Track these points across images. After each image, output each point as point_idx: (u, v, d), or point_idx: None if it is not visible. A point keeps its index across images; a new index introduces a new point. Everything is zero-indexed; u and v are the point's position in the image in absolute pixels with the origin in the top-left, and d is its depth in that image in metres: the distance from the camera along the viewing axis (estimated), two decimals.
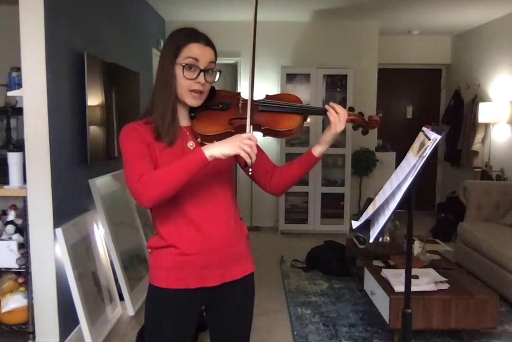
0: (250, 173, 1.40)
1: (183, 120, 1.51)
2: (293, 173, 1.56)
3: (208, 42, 1.46)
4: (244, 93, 1.53)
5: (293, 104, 1.54)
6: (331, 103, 1.51)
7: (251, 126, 1.40)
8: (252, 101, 1.43)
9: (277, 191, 1.61)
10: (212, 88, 1.52)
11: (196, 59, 1.43)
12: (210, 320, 1.62)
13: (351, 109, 1.56)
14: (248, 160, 1.32)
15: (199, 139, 1.47)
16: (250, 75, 1.45)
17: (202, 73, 1.43)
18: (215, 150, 1.32)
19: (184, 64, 1.42)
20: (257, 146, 1.41)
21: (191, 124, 1.49)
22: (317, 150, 1.53)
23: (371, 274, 3.13)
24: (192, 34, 1.45)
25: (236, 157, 1.50)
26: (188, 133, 1.49)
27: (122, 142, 1.44)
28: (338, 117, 1.48)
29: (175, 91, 1.44)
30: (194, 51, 1.43)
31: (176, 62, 1.43)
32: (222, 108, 1.50)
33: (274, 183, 1.58)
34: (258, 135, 1.52)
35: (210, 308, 1.59)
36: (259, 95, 1.55)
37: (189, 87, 1.44)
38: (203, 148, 1.33)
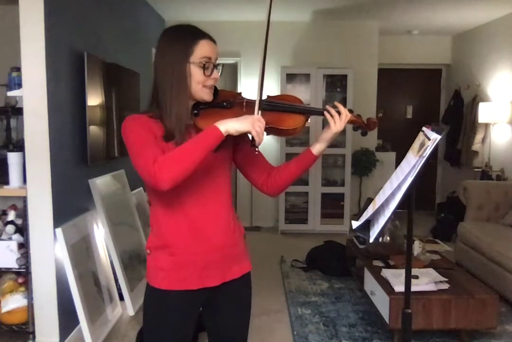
0: (256, 152, 1.46)
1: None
2: (291, 172, 1.56)
3: (212, 38, 1.49)
4: (245, 93, 1.54)
5: (297, 104, 1.55)
6: (336, 103, 1.53)
7: (260, 111, 1.44)
8: (262, 86, 1.46)
9: (273, 191, 1.60)
10: (215, 87, 1.53)
11: (210, 58, 1.45)
12: (209, 320, 1.62)
13: (350, 111, 1.58)
14: (257, 139, 1.37)
15: None
16: (260, 71, 1.46)
17: (215, 69, 1.47)
18: (229, 125, 1.35)
19: (204, 63, 1.43)
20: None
21: (194, 121, 1.49)
22: (316, 148, 1.53)
23: (371, 274, 3.13)
24: (197, 31, 1.47)
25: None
26: (191, 131, 1.48)
27: (127, 131, 1.41)
28: (339, 117, 1.50)
29: (189, 89, 1.45)
30: (207, 49, 1.45)
31: (190, 61, 1.43)
32: (226, 106, 1.51)
33: (271, 182, 1.57)
34: None
35: (209, 307, 1.59)
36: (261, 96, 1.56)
37: (204, 83, 1.45)
38: (216, 124, 1.35)
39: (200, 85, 1.45)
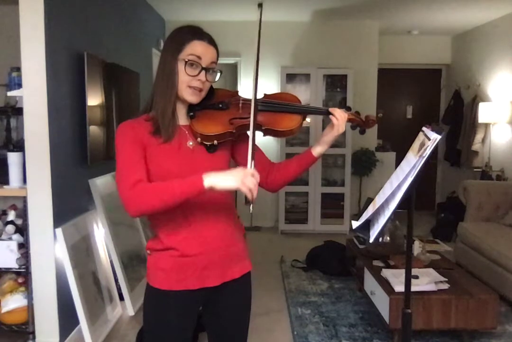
0: (251, 211, 1.34)
1: (182, 119, 1.50)
2: (290, 171, 1.57)
3: (212, 41, 1.47)
4: (243, 93, 1.54)
5: (294, 104, 1.55)
6: (331, 109, 1.54)
7: (253, 162, 1.35)
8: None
9: (273, 187, 1.61)
10: (211, 87, 1.52)
11: (199, 57, 1.43)
12: (208, 320, 1.62)
13: (348, 108, 1.58)
14: (249, 196, 1.29)
15: (199, 139, 1.47)
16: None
17: (203, 71, 1.43)
18: (216, 181, 1.30)
19: (187, 60, 1.42)
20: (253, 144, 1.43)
21: (190, 123, 1.49)
22: (317, 150, 1.54)
23: (371, 274, 3.13)
24: (197, 32, 1.46)
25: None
26: (187, 132, 1.49)
27: (118, 141, 1.43)
28: (343, 120, 1.51)
29: (176, 87, 1.44)
30: (198, 48, 1.43)
31: (178, 57, 1.43)
32: (222, 108, 1.50)
33: (271, 180, 1.58)
34: (259, 134, 1.53)
35: (209, 307, 1.59)
36: (258, 95, 1.55)
37: (188, 84, 1.43)
38: (204, 176, 1.30)
39: (184, 85, 1.44)
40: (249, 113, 1.44)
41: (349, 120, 1.56)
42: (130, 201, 1.33)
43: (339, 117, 1.50)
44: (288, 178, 1.58)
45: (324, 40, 5.88)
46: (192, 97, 1.46)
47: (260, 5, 1.50)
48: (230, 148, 1.57)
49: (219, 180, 1.30)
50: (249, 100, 1.48)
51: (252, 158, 1.36)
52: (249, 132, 1.42)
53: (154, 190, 1.34)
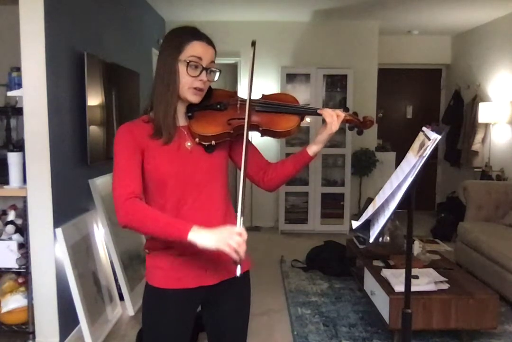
0: (237, 274, 1.29)
1: (181, 119, 1.51)
2: (287, 170, 1.58)
3: (210, 42, 1.48)
4: (241, 93, 1.55)
5: (291, 105, 1.55)
6: (320, 110, 1.55)
7: (242, 218, 1.33)
8: (247, 146, 1.41)
9: (270, 187, 1.62)
10: (209, 88, 1.52)
11: (200, 58, 1.43)
12: (208, 318, 1.62)
13: (346, 109, 1.57)
14: (234, 256, 1.27)
15: (197, 139, 1.47)
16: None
17: (204, 71, 1.44)
18: (200, 238, 1.30)
19: (188, 61, 1.42)
20: (250, 143, 1.44)
21: (188, 124, 1.49)
22: (312, 149, 1.55)
23: (371, 274, 3.13)
24: (194, 33, 1.46)
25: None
26: (186, 133, 1.49)
27: (116, 144, 1.44)
28: (333, 117, 1.50)
29: (177, 88, 1.44)
30: (198, 49, 1.43)
31: (179, 59, 1.43)
32: (220, 109, 1.50)
33: (267, 179, 1.59)
34: (256, 135, 1.53)
35: (208, 307, 1.59)
36: (257, 95, 1.55)
37: (191, 85, 1.44)
38: (192, 229, 1.30)
39: (186, 86, 1.44)
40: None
41: (346, 121, 1.55)
42: (119, 213, 1.36)
43: (329, 115, 1.50)
44: (285, 177, 1.59)
45: (324, 40, 5.88)
46: (194, 97, 1.46)
47: (253, 44, 1.53)
48: (228, 148, 1.57)
49: (202, 238, 1.30)
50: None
51: (242, 214, 1.33)
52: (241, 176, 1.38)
53: (143, 216, 1.36)
